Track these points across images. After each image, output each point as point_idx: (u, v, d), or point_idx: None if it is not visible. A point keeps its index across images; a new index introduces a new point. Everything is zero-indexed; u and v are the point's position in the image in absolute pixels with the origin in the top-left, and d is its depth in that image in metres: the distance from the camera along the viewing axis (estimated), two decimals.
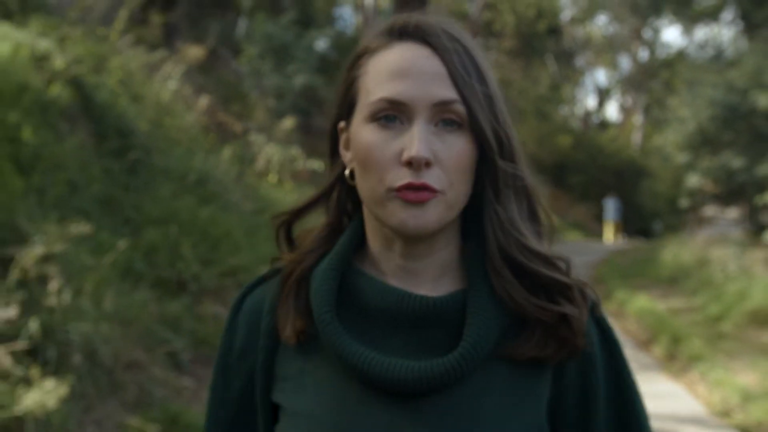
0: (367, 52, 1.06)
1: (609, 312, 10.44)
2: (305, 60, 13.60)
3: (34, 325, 4.15)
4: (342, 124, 1.09)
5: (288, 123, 10.72)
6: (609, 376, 1.08)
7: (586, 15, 29.36)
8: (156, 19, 11.48)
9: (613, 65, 38.83)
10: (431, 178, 0.98)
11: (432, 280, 1.06)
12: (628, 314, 10.06)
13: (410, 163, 0.97)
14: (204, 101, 9.81)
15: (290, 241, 1.15)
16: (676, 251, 13.96)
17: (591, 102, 42.44)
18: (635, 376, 1.10)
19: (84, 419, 4.31)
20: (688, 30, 29.67)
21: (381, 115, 1.01)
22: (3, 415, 3.70)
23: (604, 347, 1.08)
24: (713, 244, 13.08)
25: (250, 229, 7.70)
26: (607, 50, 34.48)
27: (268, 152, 10.42)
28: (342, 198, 1.12)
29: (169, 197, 7.12)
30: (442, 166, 0.99)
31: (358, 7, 24.22)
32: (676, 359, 7.81)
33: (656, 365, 7.75)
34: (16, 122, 5.97)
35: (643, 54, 35.58)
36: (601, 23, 35.81)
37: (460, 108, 1.00)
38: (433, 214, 0.99)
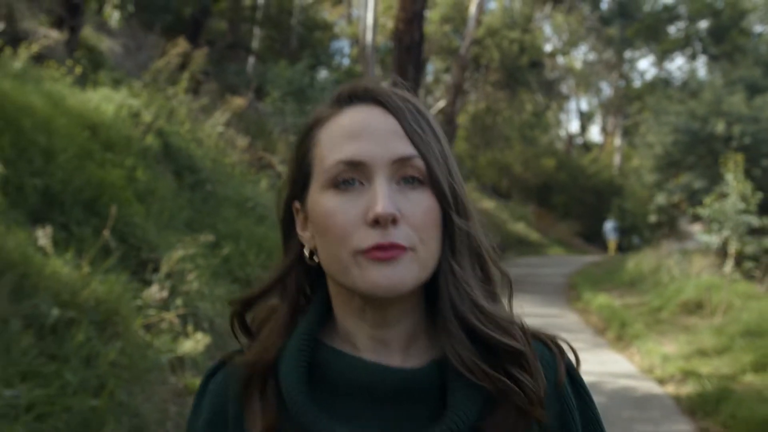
0: (317, 123, 1.04)
1: (576, 309, 12.77)
2: (319, 100, 15.88)
3: (179, 302, 6.38)
4: (296, 204, 1.06)
5: None
6: (583, 421, 1.07)
7: (566, 48, 31.79)
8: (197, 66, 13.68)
9: (595, 91, 41.30)
10: (400, 236, 0.94)
11: (403, 349, 1.03)
12: (591, 310, 12.34)
13: (377, 222, 0.93)
14: (244, 141, 12.08)
15: (246, 328, 1.13)
16: (639, 261, 16.27)
17: (574, 125, 44.89)
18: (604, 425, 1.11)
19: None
20: (659, 61, 32.23)
21: (339, 179, 0.97)
22: (170, 355, 5.91)
23: (575, 390, 1.08)
24: (669, 254, 15.33)
25: None
26: (587, 79, 36.91)
27: None
28: (300, 281, 1.08)
29: (233, 219, 9.35)
30: (409, 223, 0.95)
31: (356, 43, 26.46)
32: (622, 340, 10.06)
33: (607, 344, 9.98)
34: (132, 165, 8.23)
35: (622, 81, 38.08)
36: (581, 53, 38.38)
37: (419, 163, 0.97)
38: (406, 272, 0.95)
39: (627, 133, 36.94)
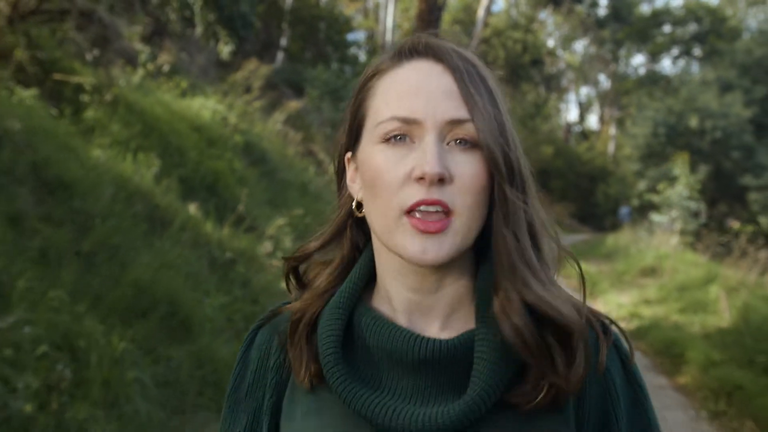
0: (376, 74, 1.04)
1: (560, 274, 15.81)
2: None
3: (279, 255, 9.37)
4: (348, 155, 1.07)
5: None
6: (629, 405, 1.06)
7: (565, 43, 34.62)
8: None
9: (593, 82, 44.17)
10: (445, 195, 0.94)
11: (443, 316, 1.03)
12: (572, 275, 15.32)
13: (422, 179, 0.94)
14: (297, 136, 15.07)
15: (300, 280, 1.14)
16: (617, 238, 19.32)
17: (574, 114, 47.78)
18: (653, 404, 1.09)
19: None
20: (650, 60, 35.19)
21: (391, 134, 0.97)
22: (279, 289, 8.89)
23: (625, 377, 1.07)
24: (640, 231, 18.36)
25: None
26: (585, 73, 39.76)
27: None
28: (353, 233, 1.10)
29: (298, 198, 12.34)
30: (455, 184, 0.95)
31: (371, 36, 29.25)
32: (591, 294, 13.07)
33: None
34: (229, 158, 11.21)
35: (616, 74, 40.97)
36: (581, 47, 41.24)
37: (471, 128, 0.96)
38: (449, 245, 0.95)
39: (621, 123, 39.78)
